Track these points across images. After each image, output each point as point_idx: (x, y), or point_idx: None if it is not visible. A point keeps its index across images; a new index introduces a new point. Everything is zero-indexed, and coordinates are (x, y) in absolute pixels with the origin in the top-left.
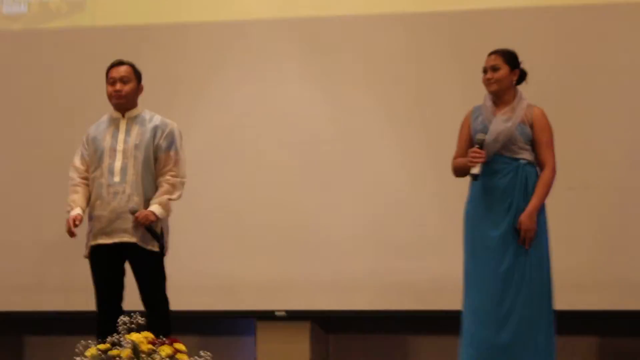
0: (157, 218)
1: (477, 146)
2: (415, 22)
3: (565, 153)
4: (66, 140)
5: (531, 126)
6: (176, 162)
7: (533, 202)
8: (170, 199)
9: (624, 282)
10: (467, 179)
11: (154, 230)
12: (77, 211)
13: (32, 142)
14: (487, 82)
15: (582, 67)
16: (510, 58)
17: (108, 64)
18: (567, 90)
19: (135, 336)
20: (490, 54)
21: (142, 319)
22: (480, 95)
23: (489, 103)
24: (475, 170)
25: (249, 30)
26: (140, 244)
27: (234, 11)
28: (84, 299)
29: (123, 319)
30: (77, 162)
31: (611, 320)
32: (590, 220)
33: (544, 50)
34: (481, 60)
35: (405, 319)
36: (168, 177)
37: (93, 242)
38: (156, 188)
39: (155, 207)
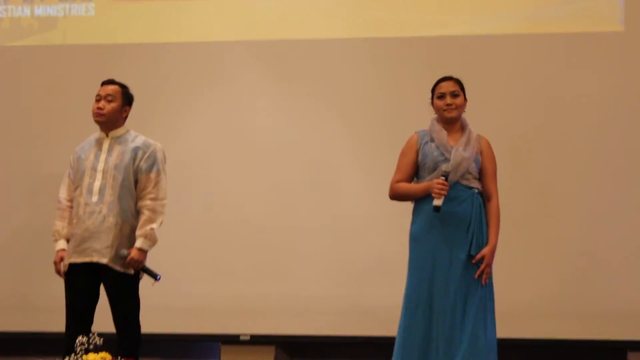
0: (146, 252)
1: (442, 178)
2: (383, 47)
3: (532, 183)
4: (34, 159)
5: (480, 155)
6: (156, 184)
7: (495, 238)
8: (153, 229)
9: (585, 312)
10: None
11: (147, 268)
12: (61, 245)
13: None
14: (448, 108)
15: (539, 97)
16: (463, 87)
17: (78, 82)
18: (532, 119)
19: (92, 357)
20: (447, 79)
21: (100, 339)
22: None
23: (441, 130)
24: (439, 202)
25: (216, 53)
26: (111, 265)
27: (203, 33)
28: (49, 320)
29: (81, 339)
30: (66, 182)
31: (573, 349)
32: (554, 251)
33: (509, 77)
34: None
35: (369, 344)
36: (147, 202)
37: (67, 261)
38: (136, 210)
39: (141, 242)
